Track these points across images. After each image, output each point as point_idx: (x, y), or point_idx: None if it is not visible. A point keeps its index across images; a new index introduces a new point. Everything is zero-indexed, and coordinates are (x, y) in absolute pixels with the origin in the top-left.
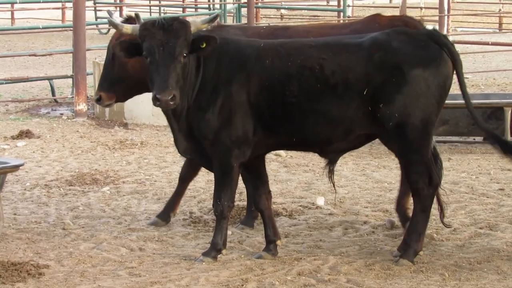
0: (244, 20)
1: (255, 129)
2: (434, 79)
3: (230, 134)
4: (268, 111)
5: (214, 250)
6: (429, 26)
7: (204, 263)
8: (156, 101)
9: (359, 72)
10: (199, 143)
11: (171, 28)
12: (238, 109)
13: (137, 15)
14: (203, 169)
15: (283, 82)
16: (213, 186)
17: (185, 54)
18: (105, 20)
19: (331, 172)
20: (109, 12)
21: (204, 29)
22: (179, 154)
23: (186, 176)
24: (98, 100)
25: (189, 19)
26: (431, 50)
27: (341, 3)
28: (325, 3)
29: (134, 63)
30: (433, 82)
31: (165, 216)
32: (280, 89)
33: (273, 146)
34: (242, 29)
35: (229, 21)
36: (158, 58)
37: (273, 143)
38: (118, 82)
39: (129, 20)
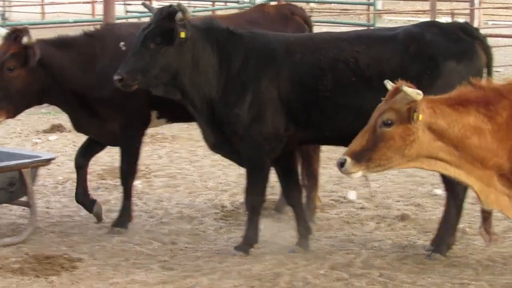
0: None
1: (287, 125)
2: (467, 72)
3: (260, 130)
4: (300, 106)
5: (247, 244)
6: (461, 20)
7: (236, 256)
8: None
9: (395, 64)
10: (228, 138)
11: (156, 14)
12: (268, 105)
13: (25, 29)
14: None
15: (315, 76)
16: (245, 181)
17: (158, 42)
18: (135, 14)
19: None
20: (144, 3)
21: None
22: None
23: (82, 163)
24: None
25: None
26: (464, 43)
27: None
28: None
29: (22, 75)
30: (467, 75)
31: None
32: (312, 83)
33: (304, 141)
34: (133, 25)
35: None
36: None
37: (304, 138)
38: (8, 98)
39: (15, 32)
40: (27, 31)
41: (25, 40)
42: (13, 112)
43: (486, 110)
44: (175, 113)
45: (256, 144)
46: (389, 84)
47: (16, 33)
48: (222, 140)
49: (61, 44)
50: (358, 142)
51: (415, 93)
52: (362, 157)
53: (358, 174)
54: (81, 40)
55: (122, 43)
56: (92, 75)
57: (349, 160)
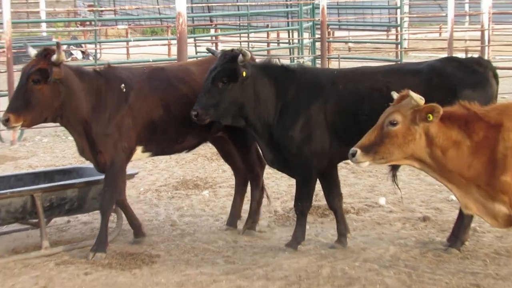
0: (318, 52)
1: (331, 143)
2: (481, 99)
3: (310, 148)
4: (342, 128)
5: (295, 241)
6: (475, 55)
7: (286, 252)
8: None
9: (421, 93)
10: (283, 155)
11: (221, 57)
12: (316, 127)
13: (58, 44)
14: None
15: (355, 103)
16: (294, 190)
17: (225, 81)
18: (204, 54)
19: (394, 176)
20: (208, 48)
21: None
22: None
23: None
24: (6, 121)
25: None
26: (479, 75)
27: (399, 37)
28: (385, 37)
29: (45, 91)
30: (481, 102)
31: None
32: (353, 109)
33: (346, 156)
34: (129, 69)
35: (306, 53)
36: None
37: (346, 154)
38: (27, 107)
39: (46, 50)
40: (59, 51)
41: (54, 58)
42: (29, 121)
43: (466, 127)
44: (159, 148)
45: (306, 159)
46: (395, 94)
47: (47, 51)
48: (278, 157)
49: (80, 73)
50: (368, 137)
51: (419, 98)
52: (370, 150)
53: (366, 164)
54: (92, 76)
55: (123, 85)
56: (95, 109)
57: (359, 151)
